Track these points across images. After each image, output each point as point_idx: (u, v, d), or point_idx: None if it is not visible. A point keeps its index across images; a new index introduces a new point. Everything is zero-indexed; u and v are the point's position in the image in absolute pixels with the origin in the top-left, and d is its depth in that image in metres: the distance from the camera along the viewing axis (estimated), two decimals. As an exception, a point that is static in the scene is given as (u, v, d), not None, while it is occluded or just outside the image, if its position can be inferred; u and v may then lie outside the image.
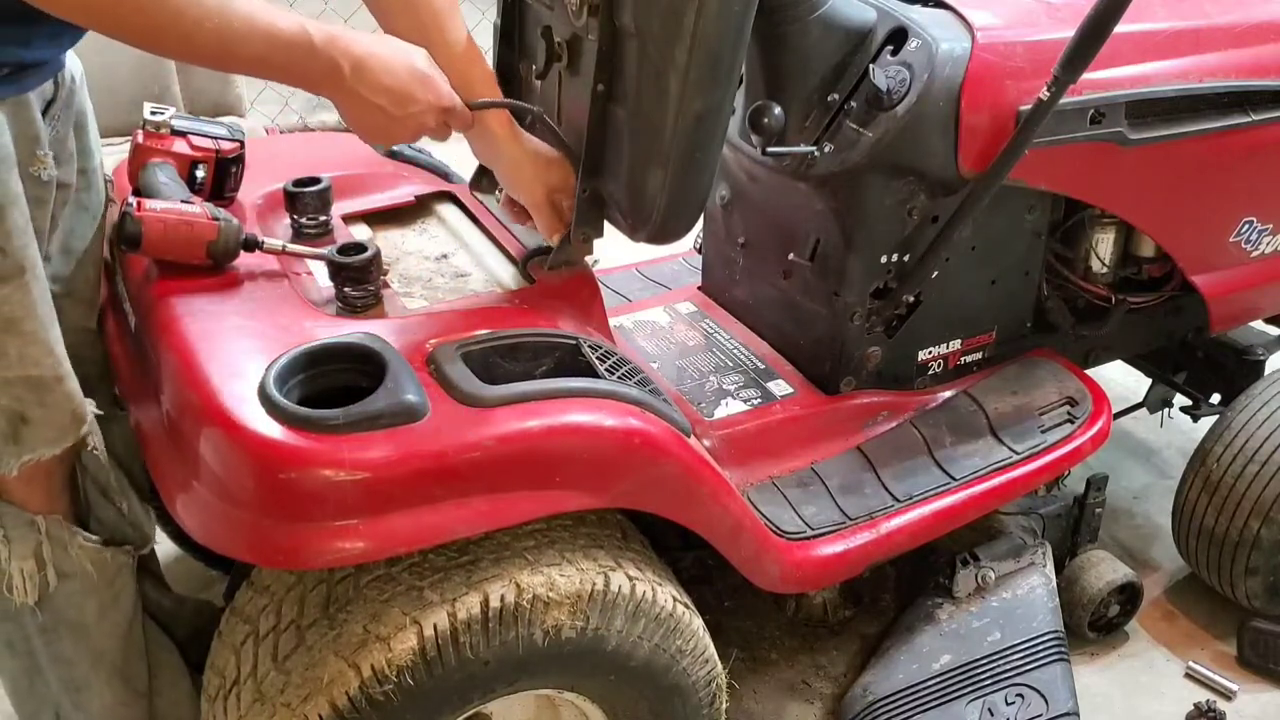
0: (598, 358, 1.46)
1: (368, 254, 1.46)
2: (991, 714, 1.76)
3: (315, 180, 1.65)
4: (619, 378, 1.44)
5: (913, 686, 1.83)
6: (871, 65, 1.66)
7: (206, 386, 1.28)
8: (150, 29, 1.20)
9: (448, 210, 1.86)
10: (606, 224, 1.59)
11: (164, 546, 2.11)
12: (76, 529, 1.44)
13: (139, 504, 1.56)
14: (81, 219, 1.51)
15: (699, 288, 2.21)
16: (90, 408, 1.42)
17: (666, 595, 1.47)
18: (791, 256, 1.87)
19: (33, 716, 1.53)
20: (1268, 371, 2.23)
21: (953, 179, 1.75)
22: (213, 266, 1.47)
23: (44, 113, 1.36)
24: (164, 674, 1.62)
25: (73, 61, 1.42)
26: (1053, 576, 1.95)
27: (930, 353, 1.95)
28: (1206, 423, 2.16)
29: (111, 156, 3.02)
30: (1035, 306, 2.05)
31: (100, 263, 1.58)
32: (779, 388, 1.90)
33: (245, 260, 1.50)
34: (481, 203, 1.84)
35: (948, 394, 1.97)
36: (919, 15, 1.73)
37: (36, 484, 1.39)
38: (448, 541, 1.32)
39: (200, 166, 1.58)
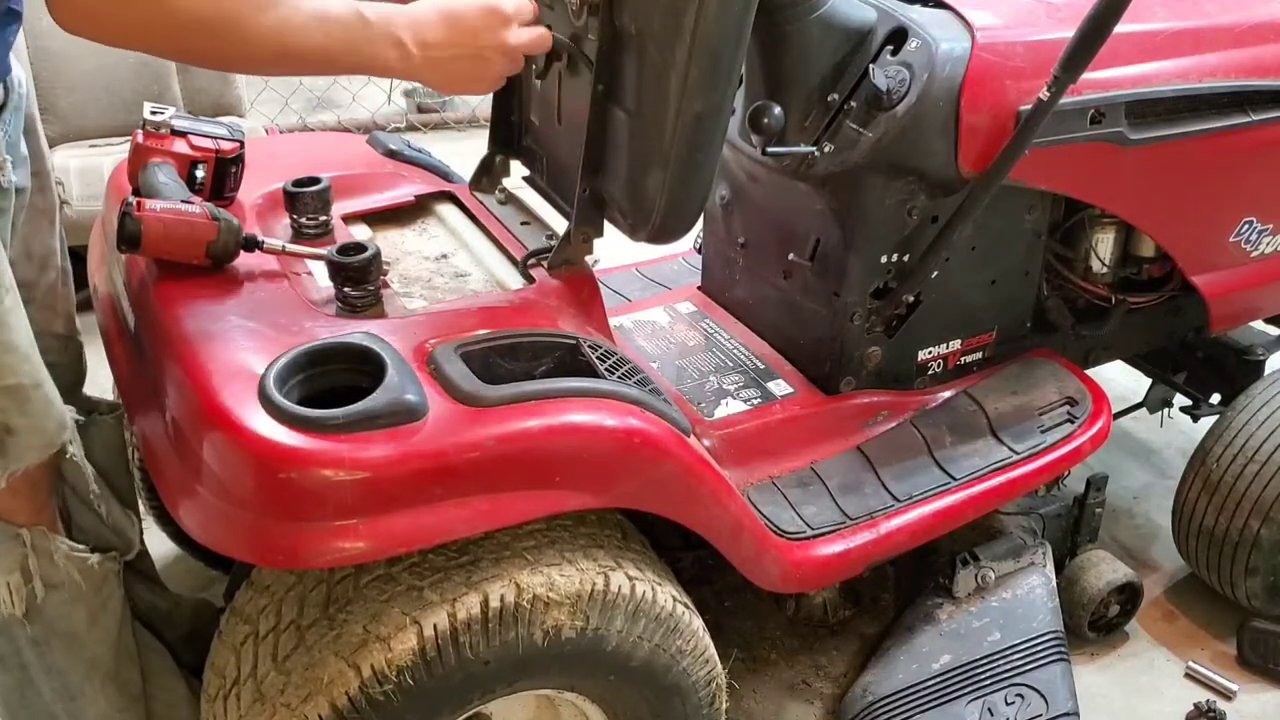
0: (598, 357, 1.46)
1: (368, 254, 1.45)
2: (991, 714, 1.76)
3: (315, 180, 1.65)
4: (619, 377, 1.44)
5: (913, 686, 1.83)
6: (871, 65, 1.66)
7: (206, 386, 1.28)
8: (214, 47, 1.24)
9: (448, 210, 1.86)
10: (606, 224, 1.59)
11: (164, 547, 2.12)
12: (61, 539, 1.43)
13: (120, 510, 1.55)
14: (39, 223, 1.51)
15: (699, 288, 2.21)
16: (69, 414, 1.41)
17: (666, 595, 1.47)
18: (791, 256, 1.87)
19: None
20: (1268, 371, 2.23)
21: (953, 179, 1.75)
22: (213, 266, 1.47)
23: None
24: (156, 676, 1.61)
25: (16, 66, 1.42)
26: (1053, 576, 1.95)
27: (930, 353, 1.95)
28: (1206, 423, 2.16)
29: (111, 157, 3.05)
30: (1035, 306, 2.05)
31: (61, 266, 1.57)
32: (779, 388, 1.90)
33: (245, 260, 1.50)
34: (481, 203, 1.84)
35: (948, 394, 1.97)
36: (919, 15, 1.73)
37: (21, 496, 1.38)
38: (447, 541, 1.32)
39: (200, 166, 1.57)
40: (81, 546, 1.45)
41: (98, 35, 1.21)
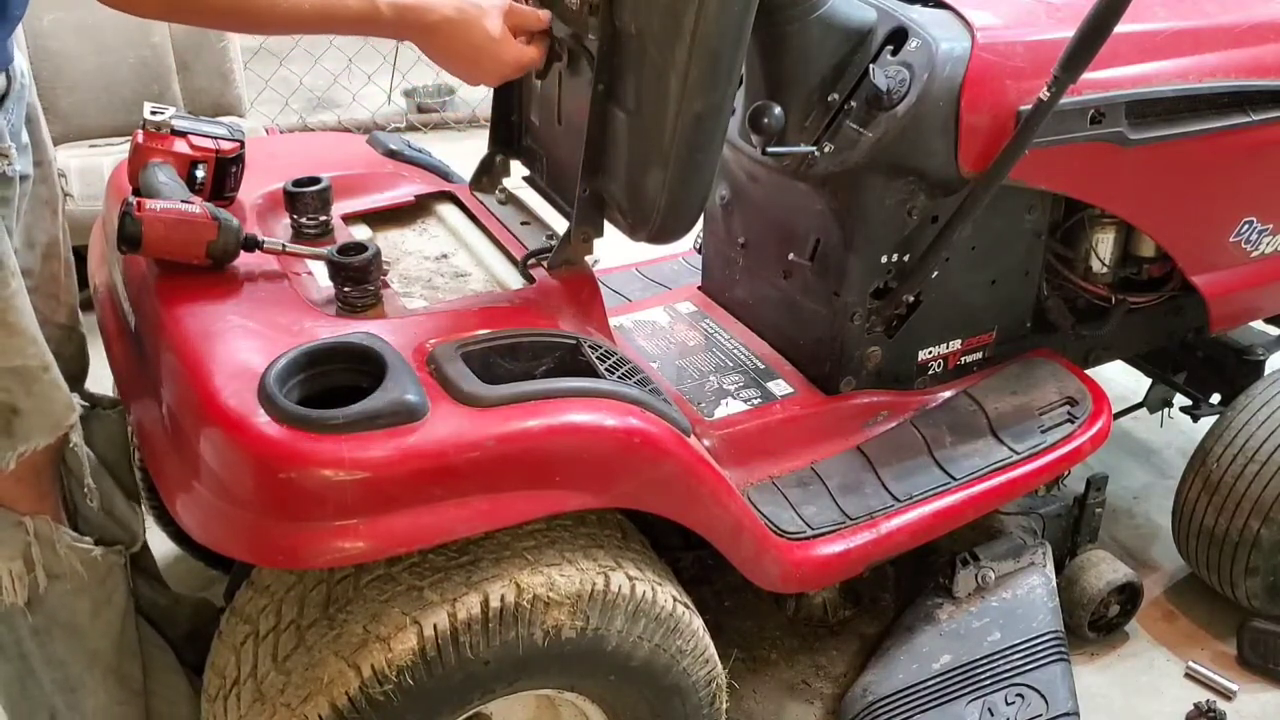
0: (598, 357, 1.46)
1: (368, 254, 1.46)
2: (991, 714, 1.76)
3: (315, 180, 1.65)
4: (619, 377, 1.44)
5: (913, 686, 1.83)
6: (871, 65, 1.66)
7: (207, 386, 1.28)
8: (232, 12, 1.32)
9: (448, 210, 1.86)
10: (606, 224, 1.59)
11: (164, 546, 2.12)
12: (65, 529, 1.44)
13: (124, 502, 1.56)
14: (41, 212, 1.52)
15: (699, 288, 2.21)
16: (75, 399, 1.43)
17: (666, 595, 1.47)
18: (791, 256, 1.87)
19: (27, 719, 1.53)
20: (1268, 371, 2.23)
21: (953, 179, 1.75)
22: (213, 266, 1.47)
23: None
24: (158, 673, 1.62)
25: (18, 55, 1.43)
26: (1053, 576, 1.95)
27: (930, 353, 1.95)
28: (1206, 423, 2.16)
29: (111, 157, 3.05)
30: (1035, 306, 2.05)
31: (63, 257, 1.58)
32: (779, 388, 1.90)
33: (245, 260, 1.50)
34: (481, 203, 1.84)
35: (948, 394, 1.97)
36: (919, 15, 1.73)
37: (24, 483, 1.40)
38: (448, 541, 1.32)
39: (200, 166, 1.58)
40: (85, 538, 1.46)
41: (133, 9, 1.29)
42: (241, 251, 1.48)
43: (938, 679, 1.82)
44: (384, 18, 1.37)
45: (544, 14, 1.52)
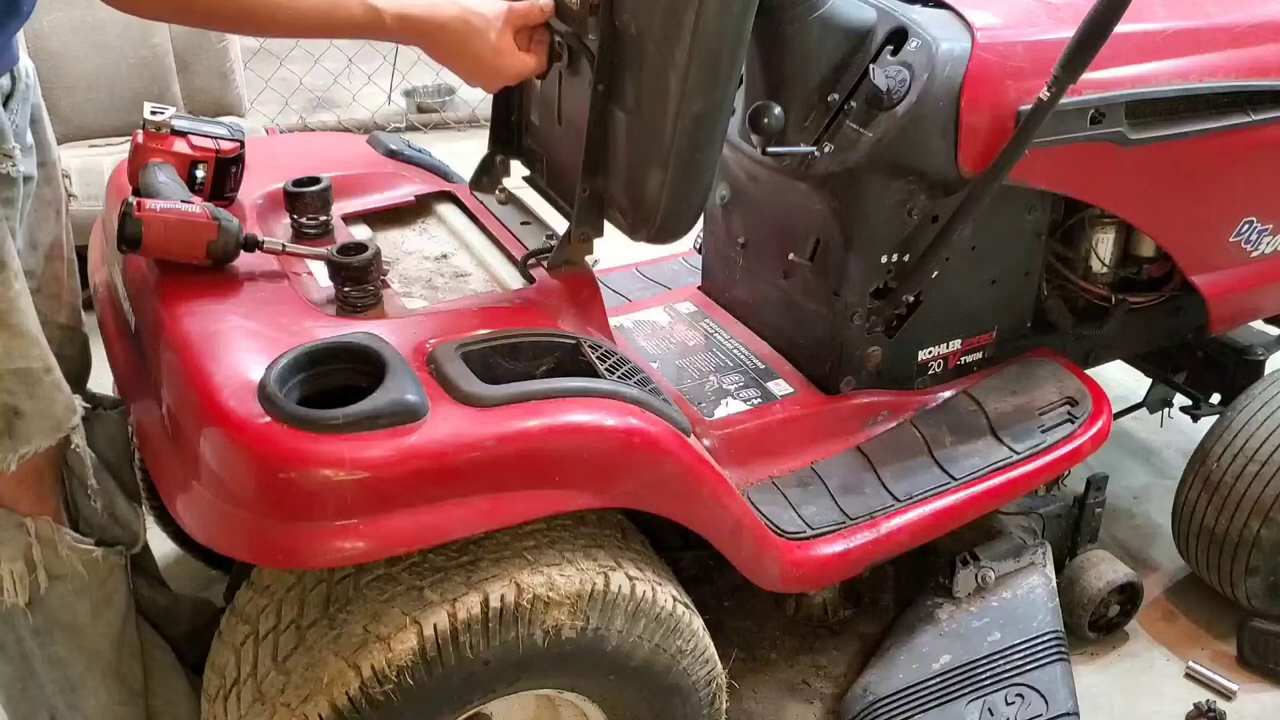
0: (598, 357, 1.46)
1: (368, 254, 1.46)
2: (991, 714, 1.76)
3: (315, 180, 1.65)
4: (619, 377, 1.45)
5: (913, 686, 1.83)
6: (871, 65, 1.66)
7: (207, 386, 1.28)
8: (234, 15, 1.35)
9: (448, 210, 1.86)
10: (606, 224, 1.59)
11: (164, 546, 2.11)
12: (66, 530, 1.44)
13: (125, 503, 1.56)
14: (45, 213, 1.52)
15: (699, 288, 2.21)
16: (77, 401, 1.43)
17: (666, 595, 1.47)
18: (791, 256, 1.87)
19: (28, 719, 1.53)
20: (1268, 371, 2.23)
21: (953, 179, 1.75)
22: (213, 266, 1.47)
23: (3, 106, 1.37)
24: (158, 673, 1.62)
25: (24, 56, 1.44)
26: (1053, 576, 1.95)
27: (930, 353, 1.95)
28: (1206, 423, 2.16)
29: (111, 157, 3.05)
30: (1035, 306, 2.05)
31: (66, 258, 1.58)
32: (779, 388, 1.90)
33: (245, 260, 1.50)
34: (481, 203, 1.84)
35: (948, 394, 1.97)
36: (919, 15, 1.73)
37: (26, 484, 1.40)
38: (448, 541, 1.32)
39: (200, 166, 1.58)
40: (86, 539, 1.46)
41: (135, 9, 1.32)
42: (241, 251, 1.48)
43: (938, 679, 1.82)
44: (386, 25, 1.38)
45: (546, 3, 1.52)
